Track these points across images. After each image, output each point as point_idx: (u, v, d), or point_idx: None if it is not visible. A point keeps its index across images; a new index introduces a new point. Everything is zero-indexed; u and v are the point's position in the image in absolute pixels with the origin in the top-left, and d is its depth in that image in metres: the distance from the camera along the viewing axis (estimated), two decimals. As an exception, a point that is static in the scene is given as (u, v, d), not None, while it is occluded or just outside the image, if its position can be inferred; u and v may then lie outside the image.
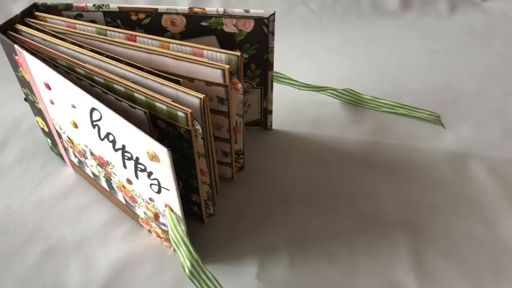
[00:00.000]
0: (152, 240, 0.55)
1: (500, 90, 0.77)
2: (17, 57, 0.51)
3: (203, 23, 0.55)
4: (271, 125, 0.70)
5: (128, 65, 0.47)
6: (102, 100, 0.43)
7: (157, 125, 0.46)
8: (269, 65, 0.60)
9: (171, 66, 0.49)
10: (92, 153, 0.53)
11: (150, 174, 0.45)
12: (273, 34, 0.56)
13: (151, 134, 0.41)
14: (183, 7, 0.54)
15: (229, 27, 0.55)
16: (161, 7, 0.54)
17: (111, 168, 0.51)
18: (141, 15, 0.55)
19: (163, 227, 0.51)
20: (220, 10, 0.54)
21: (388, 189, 0.61)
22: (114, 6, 0.54)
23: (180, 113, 0.43)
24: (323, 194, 0.60)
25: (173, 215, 0.47)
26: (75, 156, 0.59)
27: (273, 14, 0.54)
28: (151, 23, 0.55)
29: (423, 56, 0.87)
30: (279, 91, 0.70)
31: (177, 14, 0.54)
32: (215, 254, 0.53)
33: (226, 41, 0.56)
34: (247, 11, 0.54)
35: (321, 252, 0.53)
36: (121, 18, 0.55)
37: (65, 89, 0.47)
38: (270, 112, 0.68)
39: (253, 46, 0.57)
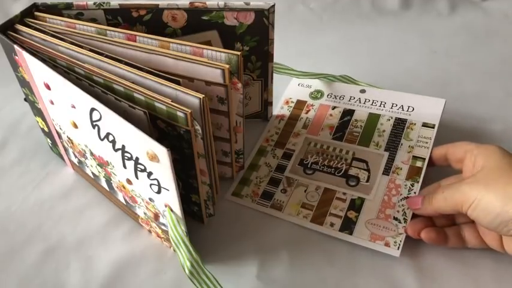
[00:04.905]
0: (152, 240, 0.55)
1: (500, 90, 0.77)
2: (16, 57, 0.51)
3: (204, 17, 0.55)
4: (271, 116, 0.70)
5: (128, 65, 0.47)
6: (101, 100, 0.43)
7: (157, 125, 0.46)
8: (269, 56, 0.60)
9: (171, 66, 0.49)
10: (91, 153, 0.53)
11: (150, 174, 0.45)
12: (273, 26, 0.56)
13: (151, 134, 0.41)
14: (184, 2, 0.54)
15: (230, 20, 0.55)
16: (162, 3, 0.54)
17: (111, 169, 0.51)
18: (142, 12, 0.55)
19: (163, 227, 0.51)
20: (221, 4, 0.54)
21: (388, 189, 0.61)
22: (114, 3, 0.54)
23: (179, 113, 0.43)
24: (323, 194, 0.60)
25: (173, 215, 0.47)
26: (75, 156, 0.59)
27: (273, 6, 0.55)
28: (153, 19, 0.55)
29: (423, 56, 0.86)
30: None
31: (178, 9, 0.55)
32: (215, 254, 0.53)
33: (227, 34, 0.57)
34: (247, 4, 0.54)
35: (321, 252, 0.53)
36: (122, 15, 0.55)
37: (65, 89, 0.47)
38: (270, 103, 0.68)
39: (254, 38, 0.58)
